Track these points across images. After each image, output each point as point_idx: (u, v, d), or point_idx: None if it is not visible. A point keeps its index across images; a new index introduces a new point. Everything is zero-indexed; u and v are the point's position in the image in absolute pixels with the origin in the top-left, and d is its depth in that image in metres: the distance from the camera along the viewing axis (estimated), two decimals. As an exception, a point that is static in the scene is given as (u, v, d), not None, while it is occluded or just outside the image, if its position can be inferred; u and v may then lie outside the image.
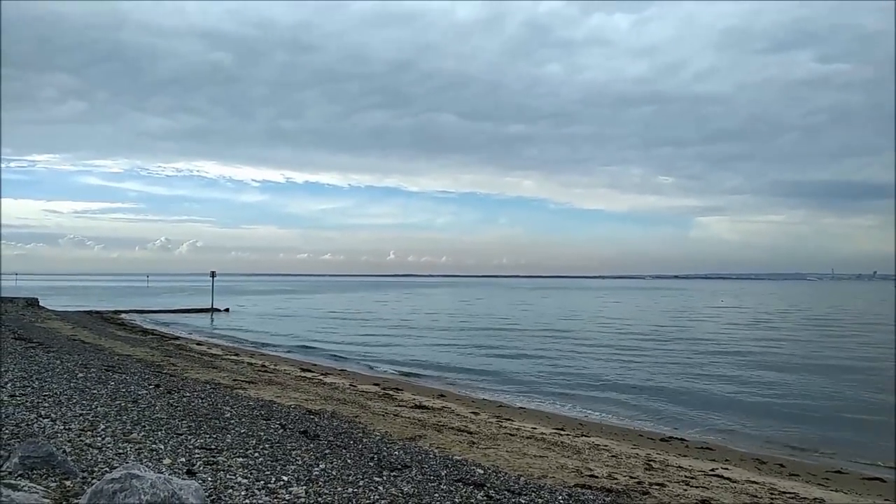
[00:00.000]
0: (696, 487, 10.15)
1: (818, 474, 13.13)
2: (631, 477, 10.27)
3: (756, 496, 10.06)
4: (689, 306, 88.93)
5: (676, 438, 16.23)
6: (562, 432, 15.26)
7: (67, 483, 5.25)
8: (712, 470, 12.13)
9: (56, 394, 10.18)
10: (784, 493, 10.64)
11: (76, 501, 4.53)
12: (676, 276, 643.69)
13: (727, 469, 12.48)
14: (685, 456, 13.79)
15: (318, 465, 7.40)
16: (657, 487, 9.58)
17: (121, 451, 6.86)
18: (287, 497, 5.90)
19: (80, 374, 13.19)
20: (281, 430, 9.59)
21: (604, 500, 7.79)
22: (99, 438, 7.33)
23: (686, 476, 11.10)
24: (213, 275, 71.55)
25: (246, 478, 6.33)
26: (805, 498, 10.43)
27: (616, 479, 9.86)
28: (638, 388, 23.72)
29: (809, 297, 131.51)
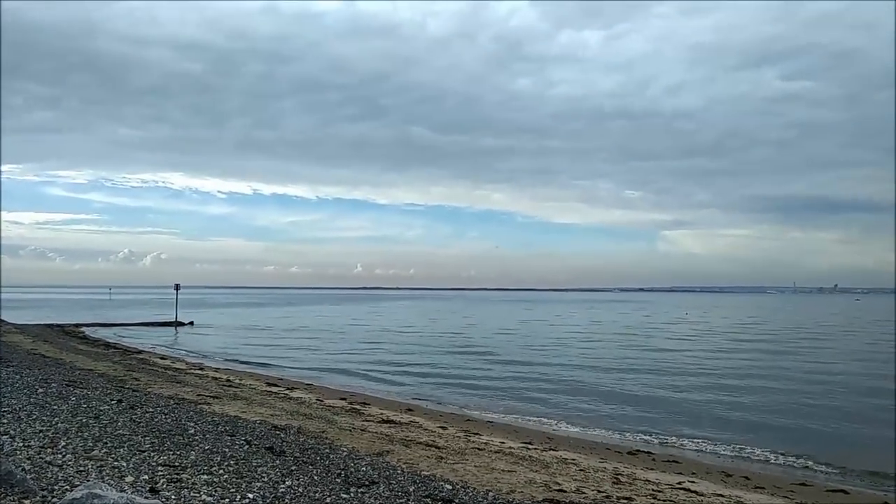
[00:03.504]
0: (664, 501, 10.20)
1: (783, 487, 13.26)
2: (599, 491, 10.29)
3: (722, 509, 10.14)
4: (653, 319, 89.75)
5: (643, 451, 16.31)
6: (530, 446, 15.26)
7: (26, 502, 5.13)
8: (679, 483, 12.20)
9: (15, 410, 9.96)
10: (749, 505, 10.74)
11: (35, 522, 4.42)
12: (642, 289, 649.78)
13: (694, 482, 12.55)
14: (652, 469, 13.86)
15: (284, 482, 7.30)
16: (625, 501, 9.61)
17: (82, 468, 6.72)
18: (253, 515, 5.81)
19: (41, 390, 12.93)
20: (246, 447, 9.46)
21: (572, 515, 7.80)
22: (59, 456, 7.17)
23: (653, 490, 11.15)
24: (177, 287, 70.63)
25: (210, 496, 6.23)
26: (770, 510, 10.54)
27: (584, 493, 9.87)
28: (604, 401, 23.84)
29: (772, 309, 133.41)
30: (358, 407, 19.56)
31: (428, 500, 7.49)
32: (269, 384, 24.00)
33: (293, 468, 8.32)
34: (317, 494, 6.92)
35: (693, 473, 13.76)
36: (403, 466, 10.04)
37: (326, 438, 12.18)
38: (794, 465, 15.63)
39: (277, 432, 11.89)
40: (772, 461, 15.95)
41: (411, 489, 8.01)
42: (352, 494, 7.19)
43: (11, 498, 5.14)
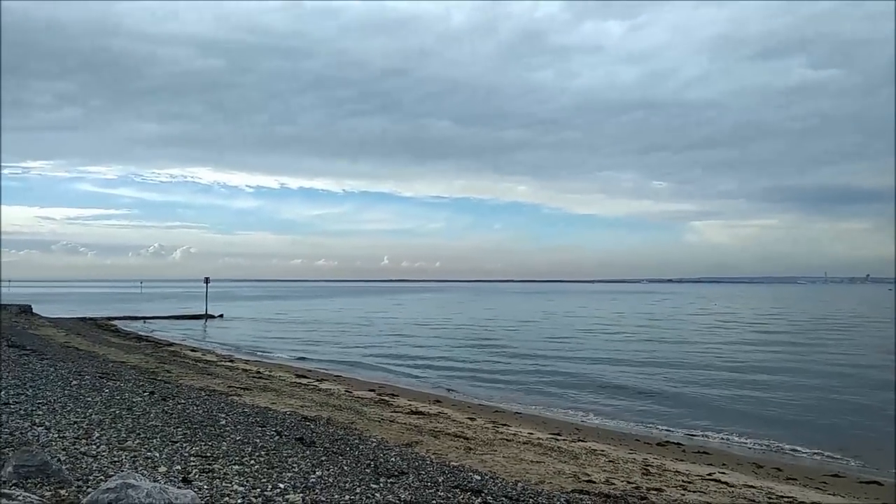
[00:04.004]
0: (694, 492, 10.13)
1: (815, 478, 13.12)
2: (628, 482, 10.25)
3: (754, 500, 10.05)
4: (683, 310, 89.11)
5: (673, 443, 16.21)
6: (558, 437, 15.23)
7: (62, 492, 5.20)
8: (709, 474, 12.11)
9: (50, 402, 10.11)
10: (782, 496, 10.63)
11: (71, 511, 4.49)
12: (671, 281, 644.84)
13: (724, 473, 12.46)
14: (682, 460, 13.77)
15: (314, 473, 7.35)
16: (655, 492, 9.56)
17: (116, 459, 6.81)
18: (284, 505, 5.85)
19: (75, 382, 13.12)
20: (277, 437, 9.54)
21: (602, 506, 7.77)
22: (94, 446, 7.27)
23: (683, 480, 11.08)
24: (206, 281, 71.26)
25: (242, 485, 6.28)
26: (803, 502, 10.43)
27: (613, 484, 9.84)
28: (634, 392, 23.73)
29: (801, 300, 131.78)
30: (387, 398, 19.63)
31: (457, 490, 7.50)
32: (298, 376, 24.16)
33: (323, 459, 8.37)
34: (347, 484, 6.95)
35: (723, 465, 13.64)
36: (432, 457, 10.06)
37: (356, 429, 12.24)
38: (825, 457, 15.42)
39: (307, 423, 11.97)
40: (802, 454, 15.76)
41: (440, 480, 8.03)
42: (381, 484, 7.22)
43: (48, 488, 5.22)
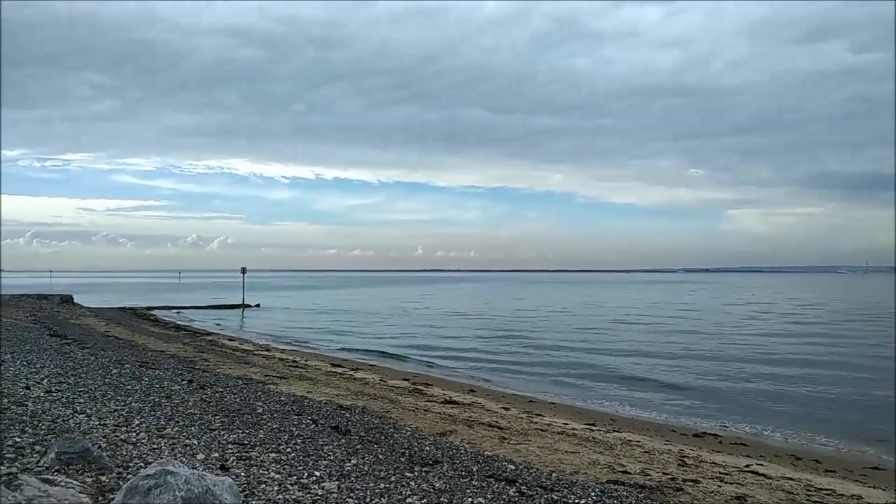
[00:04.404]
0: (731, 484, 10.01)
1: (855, 470, 12.90)
2: (664, 473, 10.16)
3: (792, 493, 9.91)
4: (719, 301, 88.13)
5: (710, 434, 16.04)
6: (593, 428, 15.16)
7: (103, 478, 5.30)
8: (747, 466, 11.97)
9: (91, 390, 10.31)
10: (821, 489, 10.47)
11: (111, 497, 4.57)
12: (707, 270, 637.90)
13: (762, 465, 12.30)
14: (719, 452, 13.63)
15: (349, 461, 7.40)
16: (691, 483, 9.47)
17: (155, 446, 6.93)
18: (319, 492, 5.91)
19: (115, 371, 13.35)
20: (312, 426, 9.62)
21: (637, 497, 7.71)
22: (133, 434, 7.41)
23: (720, 472, 10.97)
24: (243, 271, 72.05)
25: (278, 473, 6.36)
26: (842, 495, 10.26)
27: (649, 475, 9.77)
28: (670, 383, 23.53)
29: (841, 290, 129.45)
30: (421, 387, 19.70)
31: (491, 479, 7.50)
32: (333, 365, 24.34)
33: (358, 447, 8.42)
34: (381, 473, 6.99)
35: (761, 456, 13.47)
36: (466, 446, 10.07)
37: (390, 418, 12.30)
38: (863, 450, 15.12)
39: (343, 412, 12.05)
40: (839, 446, 15.47)
41: (475, 469, 8.04)
42: (416, 473, 7.25)
43: (89, 474, 5.32)
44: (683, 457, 12.21)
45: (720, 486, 9.63)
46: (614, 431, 14.91)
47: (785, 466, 12.66)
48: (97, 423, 7.82)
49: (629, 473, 9.65)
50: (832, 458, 14.17)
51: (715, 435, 15.96)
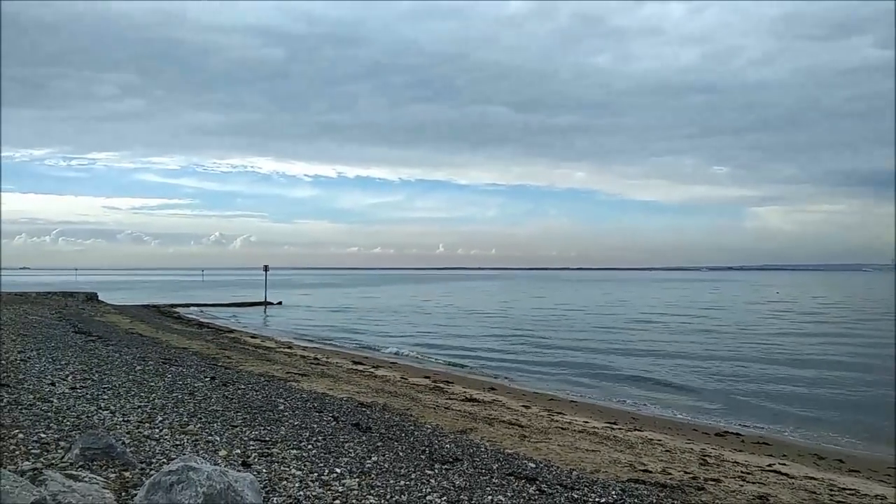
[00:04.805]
0: (753, 483, 9.95)
1: (879, 470, 12.76)
2: (685, 472, 10.12)
3: (815, 492, 9.83)
4: (742, 299, 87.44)
5: (732, 433, 15.93)
6: (614, 426, 15.10)
7: (126, 474, 5.36)
8: (769, 465, 11.88)
9: (115, 386, 10.42)
10: (844, 489, 10.37)
11: (135, 492, 4.62)
12: (731, 268, 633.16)
13: (784, 464, 12.21)
14: (741, 451, 13.53)
15: (370, 458, 7.44)
16: (713, 483, 9.42)
17: (178, 442, 6.99)
18: (340, 489, 5.94)
19: (139, 367, 13.49)
20: (333, 423, 9.67)
21: (658, 496, 7.68)
22: (157, 430, 7.48)
23: (742, 471, 10.90)
24: (265, 269, 72.33)
25: (300, 469, 6.40)
26: (866, 494, 10.15)
27: (670, 473, 9.73)
28: (690, 383, 23.39)
29: (866, 289, 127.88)
30: (441, 385, 19.71)
31: (511, 477, 7.51)
32: (355, 362, 24.41)
33: (379, 444, 8.46)
34: (402, 470, 7.02)
35: (784, 456, 13.36)
36: (487, 444, 10.08)
37: (411, 416, 12.34)
38: (889, 451, 14.94)
39: (363, 409, 12.10)
40: (864, 449, 15.28)
41: (495, 467, 8.05)
42: (436, 471, 7.27)
43: (112, 469, 5.39)
44: (705, 456, 12.14)
45: (742, 486, 9.58)
46: (635, 430, 14.84)
47: (808, 466, 12.55)
48: (121, 419, 7.91)
49: (650, 472, 9.62)
50: (855, 458, 14.02)
51: (737, 434, 15.84)
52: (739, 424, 17.18)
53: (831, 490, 10.19)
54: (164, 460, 5.93)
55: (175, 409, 8.94)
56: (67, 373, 11.38)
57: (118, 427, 7.40)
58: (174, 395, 10.31)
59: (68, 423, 7.26)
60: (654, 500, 7.26)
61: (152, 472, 5.25)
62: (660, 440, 13.58)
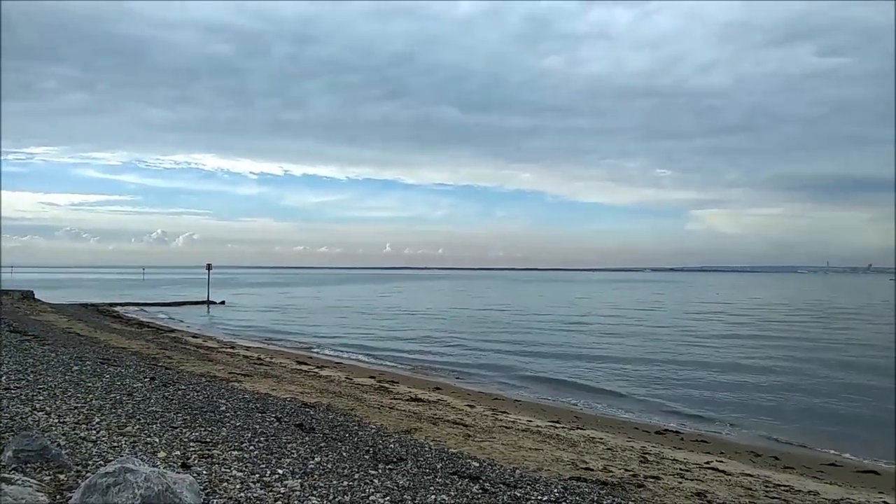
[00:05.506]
0: (692, 480, 10.17)
1: (813, 467, 13.17)
2: (626, 469, 10.29)
3: (751, 489, 10.09)
4: (685, 299, 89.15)
5: (671, 431, 16.27)
6: (557, 425, 15.28)
7: (62, 476, 5.23)
8: (707, 463, 12.16)
9: (51, 387, 10.15)
10: (779, 485, 10.67)
11: (70, 495, 4.52)
12: (673, 269, 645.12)
13: (722, 462, 12.51)
14: (680, 448, 13.82)
15: (313, 458, 7.39)
16: (652, 480, 9.59)
17: (115, 444, 6.85)
18: (282, 490, 5.89)
19: (76, 367, 13.16)
20: (276, 423, 9.58)
21: (599, 493, 7.79)
22: (94, 432, 7.31)
23: (681, 469, 11.13)
24: (208, 267, 71.36)
25: (241, 471, 6.32)
26: (800, 490, 10.46)
27: (611, 471, 9.88)
28: (633, 381, 23.80)
29: (800, 291, 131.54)
30: (386, 385, 19.69)
31: (455, 476, 7.54)
32: (299, 362, 24.23)
33: (322, 445, 8.41)
34: (345, 470, 6.99)
35: (721, 453, 13.70)
36: (431, 444, 10.10)
37: (355, 416, 12.29)
38: (823, 447, 15.44)
39: (307, 409, 12.01)
40: (797, 444, 15.78)
41: (439, 466, 8.07)
42: (380, 471, 7.26)
43: (47, 472, 5.25)
44: (645, 453, 12.36)
45: (681, 483, 9.78)
46: (578, 429, 15.05)
47: (744, 463, 12.89)
48: (56, 420, 7.71)
49: (592, 470, 9.75)
50: (790, 455, 14.46)
51: (676, 432, 16.19)
52: (679, 423, 17.56)
53: (766, 486, 10.47)
54: (101, 462, 5.80)
55: (113, 411, 8.75)
56: (1, 373, 11.04)
57: (53, 428, 7.21)
58: (112, 395, 10.08)
59: (1, 424, 7.04)
60: (595, 498, 7.35)
61: (88, 474, 5.13)
62: (602, 438, 13.78)
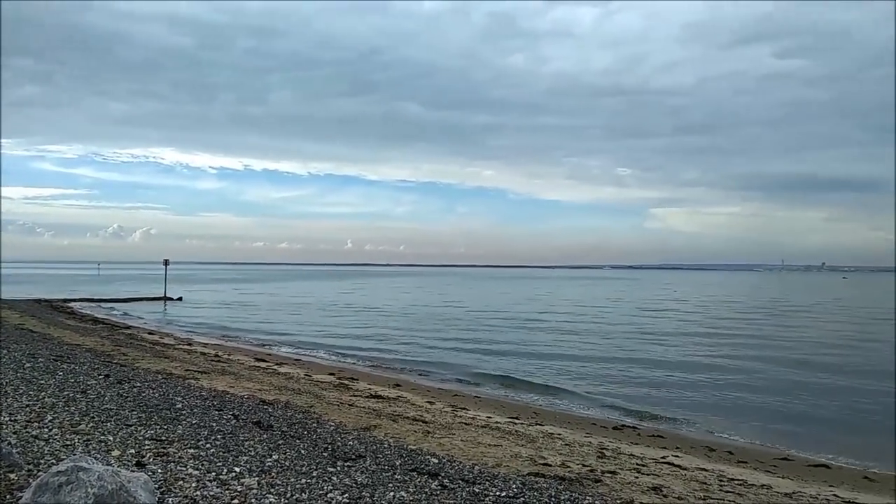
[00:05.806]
0: (648, 475, 10.30)
1: (766, 461, 13.44)
2: (584, 465, 10.39)
3: (705, 483, 10.26)
4: (643, 297, 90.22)
5: (628, 426, 16.46)
6: (516, 421, 15.37)
7: (12, 476, 5.14)
8: (663, 457, 12.33)
9: (1, 384, 9.94)
10: (732, 479, 10.87)
11: (21, 495, 4.44)
12: (632, 267, 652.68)
13: (678, 456, 12.70)
14: (637, 444, 13.99)
15: (271, 456, 7.34)
16: (609, 475, 9.70)
17: (68, 442, 6.74)
18: (239, 488, 5.85)
19: (28, 364, 12.91)
20: (234, 421, 9.50)
21: (556, 488, 7.86)
22: (46, 430, 7.19)
23: (638, 464, 11.27)
24: (166, 263, 70.50)
25: (197, 469, 6.27)
26: (753, 484, 10.67)
27: (569, 467, 9.96)
28: (590, 377, 24.03)
29: (755, 288, 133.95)
30: (346, 382, 19.61)
31: (414, 473, 7.55)
32: (257, 359, 24.02)
33: (280, 442, 8.36)
34: (303, 468, 6.96)
35: (677, 448, 13.90)
36: (390, 440, 10.10)
37: (314, 413, 12.23)
38: (776, 443, 15.76)
39: (265, 407, 11.93)
40: (753, 439, 16.10)
41: (398, 463, 8.07)
42: (338, 468, 7.24)
43: (-3, 471, 5.16)
44: (603, 449, 12.50)
45: (637, 478, 9.90)
46: (537, 425, 15.15)
47: (699, 458, 13.10)
48: (7, 418, 7.56)
49: (550, 466, 9.83)
50: (744, 449, 14.73)
51: (633, 428, 16.39)
52: (636, 419, 17.78)
53: (721, 480, 10.66)
54: (54, 461, 5.71)
55: (66, 408, 8.60)
56: (-51, 371, 10.80)
57: (4, 427, 7.07)
58: (65, 393, 9.91)
59: (-52, 423, 6.90)
60: (553, 493, 7.42)
61: (40, 473, 5.05)
62: (560, 434, 13.90)
